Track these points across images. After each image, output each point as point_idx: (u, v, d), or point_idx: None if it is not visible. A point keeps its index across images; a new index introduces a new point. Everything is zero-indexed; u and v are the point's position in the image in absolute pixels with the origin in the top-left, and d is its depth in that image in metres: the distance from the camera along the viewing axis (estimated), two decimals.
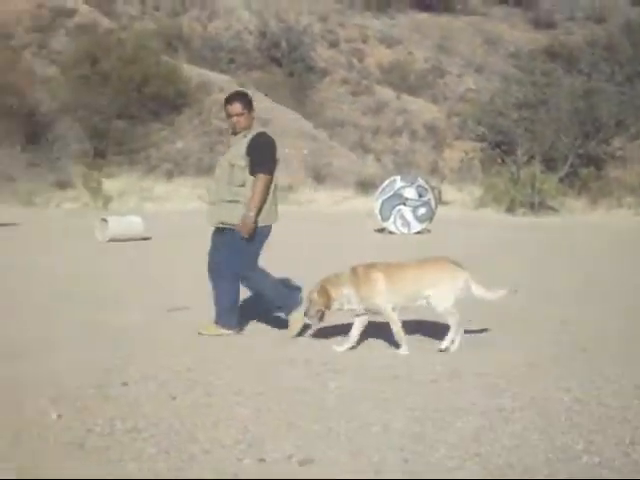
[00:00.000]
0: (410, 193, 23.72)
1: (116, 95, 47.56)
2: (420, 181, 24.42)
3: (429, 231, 23.35)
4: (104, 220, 19.78)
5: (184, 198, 37.13)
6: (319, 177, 47.00)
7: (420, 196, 23.69)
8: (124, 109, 47.94)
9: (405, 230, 23.37)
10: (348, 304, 7.47)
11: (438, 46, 70.54)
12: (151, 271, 13.78)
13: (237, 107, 7.90)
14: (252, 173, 7.79)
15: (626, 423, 5.33)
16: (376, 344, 7.74)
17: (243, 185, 7.81)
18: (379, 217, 23.78)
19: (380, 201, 23.81)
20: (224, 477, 4.30)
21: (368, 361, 7.03)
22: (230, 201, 7.83)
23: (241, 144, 7.87)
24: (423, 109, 59.71)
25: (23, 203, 33.26)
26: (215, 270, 8.07)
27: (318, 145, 50.37)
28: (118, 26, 56.65)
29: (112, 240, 18.94)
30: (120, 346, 7.48)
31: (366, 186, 41.63)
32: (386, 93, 60.62)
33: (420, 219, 23.58)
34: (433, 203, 24.04)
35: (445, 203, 33.92)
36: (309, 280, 8.23)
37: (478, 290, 7.63)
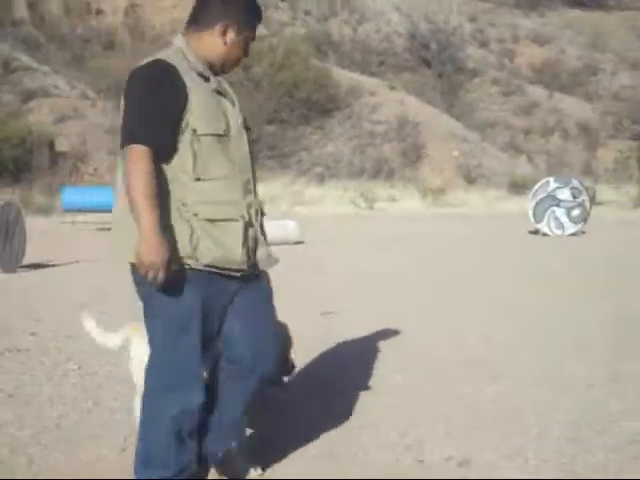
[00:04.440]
0: (564, 194, 23.44)
1: (267, 100, 48.42)
2: (574, 182, 24.15)
3: (584, 232, 23.01)
4: None
5: (335, 201, 37.58)
6: (470, 178, 46.85)
7: (574, 197, 23.40)
8: (275, 114, 48.77)
9: (559, 232, 23.09)
10: None
11: (591, 43, 69.27)
12: (306, 276, 13.90)
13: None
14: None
15: None
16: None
17: None
18: (532, 219, 23.56)
19: (533, 203, 23.62)
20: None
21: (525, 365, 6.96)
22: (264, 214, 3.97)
23: (234, 97, 4.03)
24: (576, 108, 58.75)
25: None
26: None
27: (469, 146, 50.17)
28: (269, 32, 57.65)
29: None
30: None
31: (518, 187, 41.32)
32: (538, 92, 59.95)
33: (574, 220, 23.27)
34: (587, 204, 23.68)
35: (600, 204, 33.32)
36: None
37: None
